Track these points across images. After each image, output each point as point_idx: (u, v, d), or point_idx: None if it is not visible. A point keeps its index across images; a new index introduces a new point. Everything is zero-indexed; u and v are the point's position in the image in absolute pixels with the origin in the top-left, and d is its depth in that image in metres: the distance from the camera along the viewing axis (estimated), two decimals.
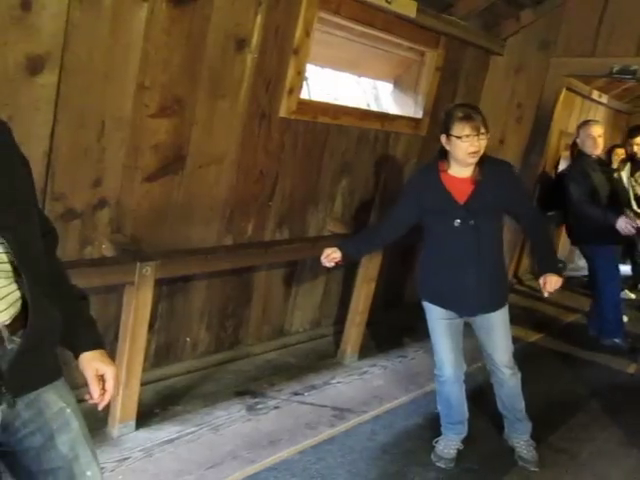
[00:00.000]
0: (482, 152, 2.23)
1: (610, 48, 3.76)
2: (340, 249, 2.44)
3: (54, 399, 1.21)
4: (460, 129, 2.19)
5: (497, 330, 2.41)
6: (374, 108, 3.91)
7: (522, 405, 2.54)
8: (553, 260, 2.48)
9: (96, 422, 2.45)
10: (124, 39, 2.25)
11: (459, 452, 2.53)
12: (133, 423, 2.46)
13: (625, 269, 5.55)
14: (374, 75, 3.86)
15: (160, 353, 2.91)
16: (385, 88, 3.95)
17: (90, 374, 1.26)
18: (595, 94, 5.84)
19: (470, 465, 2.50)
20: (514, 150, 4.21)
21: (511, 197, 2.33)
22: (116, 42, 2.23)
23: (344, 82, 3.90)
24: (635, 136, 4.71)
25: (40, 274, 1.16)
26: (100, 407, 1.28)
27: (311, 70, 3.53)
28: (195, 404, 2.74)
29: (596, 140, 3.81)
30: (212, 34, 2.51)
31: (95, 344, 1.30)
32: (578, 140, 3.93)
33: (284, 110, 2.92)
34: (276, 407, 2.81)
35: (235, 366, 3.18)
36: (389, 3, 3.12)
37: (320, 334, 3.72)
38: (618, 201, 3.97)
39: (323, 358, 3.42)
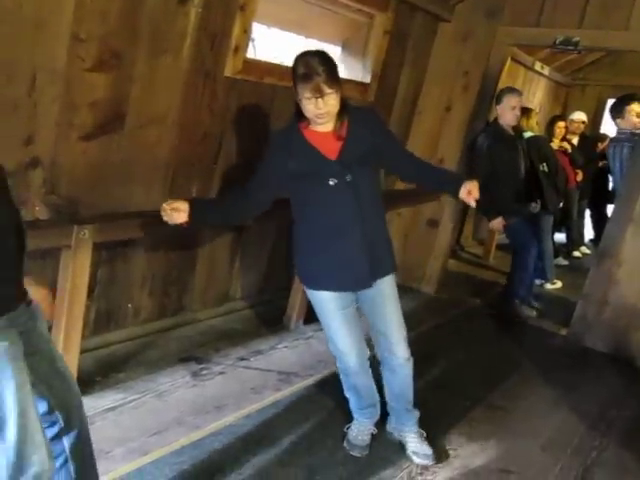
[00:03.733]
0: (333, 110, 1.95)
1: (554, 19, 3.81)
2: (190, 206, 1.99)
3: None
4: (301, 90, 1.90)
5: (389, 302, 2.15)
6: None
7: (412, 394, 2.29)
8: (457, 174, 2.26)
9: None
10: None
11: (373, 436, 2.36)
12: None
13: (560, 237, 5.79)
14: (322, 37, 3.78)
15: (100, 320, 2.82)
16: (333, 52, 3.88)
17: None
18: (538, 65, 5.97)
19: None
20: (460, 118, 4.25)
21: (382, 143, 2.09)
22: None
23: (291, 45, 3.80)
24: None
25: None
26: None
27: (258, 30, 3.42)
28: (138, 371, 2.68)
29: (515, 112, 3.76)
30: None
31: None
32: (498, 107, 3.82)
33: (229, 69, 2.82)
34: (221, 372, 2.79)
35: (179, 332, 3.13)
36: None
37: (266, 299, 3.70)
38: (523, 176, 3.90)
39: (269, 323, 3.41)
